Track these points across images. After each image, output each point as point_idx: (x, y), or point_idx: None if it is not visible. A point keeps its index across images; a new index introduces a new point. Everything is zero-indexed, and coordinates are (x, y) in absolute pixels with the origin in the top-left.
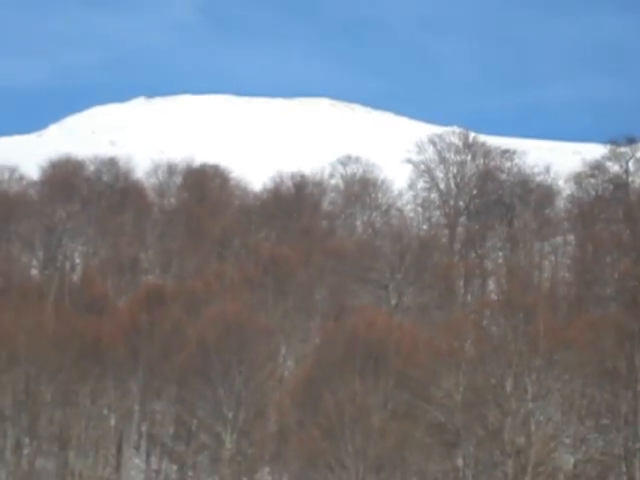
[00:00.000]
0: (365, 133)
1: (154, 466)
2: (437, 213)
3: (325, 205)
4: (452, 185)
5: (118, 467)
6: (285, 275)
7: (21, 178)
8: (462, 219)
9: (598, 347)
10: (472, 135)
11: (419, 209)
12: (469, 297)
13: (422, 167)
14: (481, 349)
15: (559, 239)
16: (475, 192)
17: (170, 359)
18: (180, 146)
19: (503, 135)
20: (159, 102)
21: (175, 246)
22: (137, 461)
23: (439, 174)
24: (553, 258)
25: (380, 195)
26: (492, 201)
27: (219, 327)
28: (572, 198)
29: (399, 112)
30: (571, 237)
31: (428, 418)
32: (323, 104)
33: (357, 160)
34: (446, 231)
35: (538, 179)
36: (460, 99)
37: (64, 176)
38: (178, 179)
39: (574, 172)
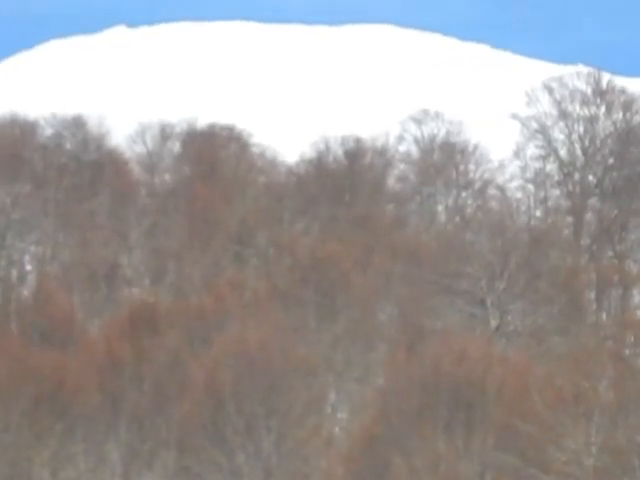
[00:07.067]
0: (449, 76)
1: None
2: (556, 192)
3: (391, 183)
4: (578, 151)
5: None
6: (334, 285)
7: None
8: (593, 201)
9: None
10: (607, 77)
11: (530, 187)
12: (604, 316)
13: (534, 125)
14: (623, 392)
15: None
16: (612, 161)
17: (166, 411)
18: (178, 99)
19: None
20: (146, 33)
21: (172, 245)
22: None
23: (559, 135)
24: None
25: (472, 167)
26: (638, 174)
27: (237, 363)
28: None
29: (499, 45)
30: None
31: None
32: (386, 33)
33: (438, 117)
34: (570, 219)
35: None
36: (589, 26)
37: (7, 143)
38: (175, 147)
39: None
